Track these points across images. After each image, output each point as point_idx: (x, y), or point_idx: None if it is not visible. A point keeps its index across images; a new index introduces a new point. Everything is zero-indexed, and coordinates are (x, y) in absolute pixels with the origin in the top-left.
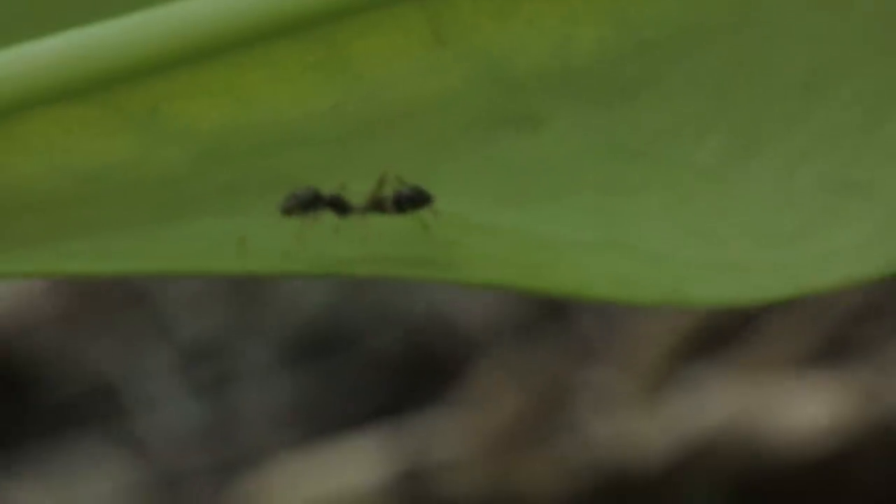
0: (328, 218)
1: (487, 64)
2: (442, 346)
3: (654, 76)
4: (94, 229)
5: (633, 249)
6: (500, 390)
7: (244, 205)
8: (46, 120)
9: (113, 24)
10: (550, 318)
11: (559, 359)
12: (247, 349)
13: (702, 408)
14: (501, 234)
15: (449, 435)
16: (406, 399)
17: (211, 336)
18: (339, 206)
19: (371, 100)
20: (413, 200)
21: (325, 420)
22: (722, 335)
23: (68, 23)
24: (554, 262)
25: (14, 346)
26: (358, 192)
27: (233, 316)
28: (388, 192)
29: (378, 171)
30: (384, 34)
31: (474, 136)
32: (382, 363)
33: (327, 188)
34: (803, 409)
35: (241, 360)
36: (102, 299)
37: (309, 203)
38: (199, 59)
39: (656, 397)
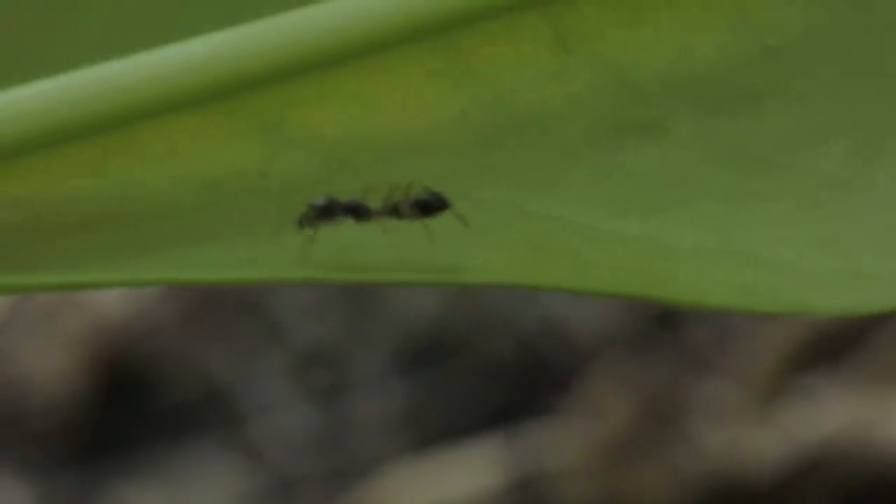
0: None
1: (611, 71)
2: (554, 354)
3: (778, 83)
4: (217, 237)
5: (755, 258)
6: (612, 399)
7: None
8: (172, 127)
9: (239, 31)
10: (663, 326)
11: (672, 368)
12: (360, 356)
13: (815, 418)
14: (624, 242)
15: (561, 444)
16: (518, 407)
17: (325, 343)
18: (358, 212)
19: (496, 107)
20: (432, 206)
21: (436, 428)
22: (836, 345)
23: (195, 30)
24: (676, 271)
25: (132, 351)
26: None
27: (346, 323)
28: (405, 197)
29: (503, 178)
30: (509, 42)
31: (598, 143)
32: (494, 371)
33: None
34: None
35: (354, 367)
36: (219, 305)
37: (326, 211)
38: (324, 66)
39: (769, 407)
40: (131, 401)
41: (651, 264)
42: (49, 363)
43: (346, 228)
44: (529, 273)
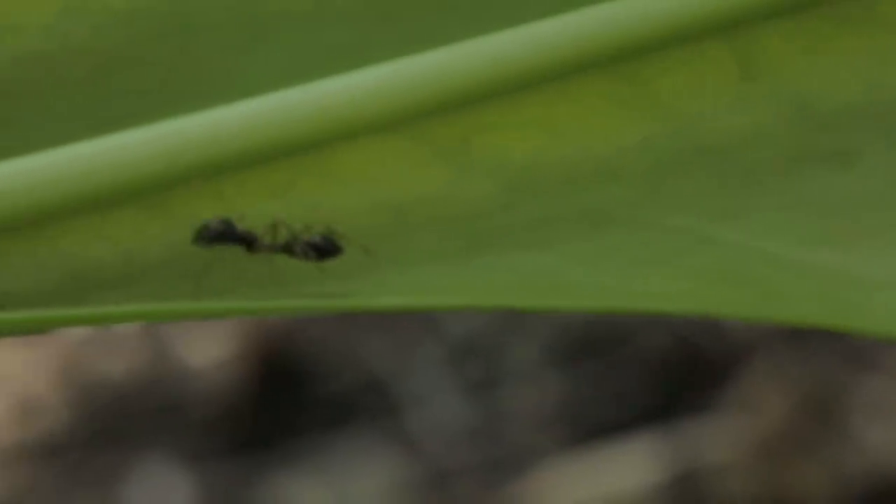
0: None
1: (796, 100)
2: (711, 348)
3: None
4: (405, 262)
5: None
6: (770, 395)
7: (555, 239)
8: (361, 153)
9: (427, 57)
10: None
11: (830, 363)
12: (516, 348)
13: None
14: (812, 272)
15: (719, 439)
16: (674, 402)
17: (481, 334)
18: (248, 242)
19: (679, 135)
20: (323, 250)
21: (592, 422)
22: None
23: (384, 56)
24: (868, 303)
25: (291, 341)
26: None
27: (502, 314)
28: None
29: (688, 205)
30: (692, 70)
31: (784, 172)
32: (650, 365)
33: (632, 223)
34: None
35: (510, 359)
36: None
37: (219, 235)
38: (509, 92)
39: None
40: (291, 391)
41: (841, 295)
42: (210, 353)
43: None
44: (713, 301)
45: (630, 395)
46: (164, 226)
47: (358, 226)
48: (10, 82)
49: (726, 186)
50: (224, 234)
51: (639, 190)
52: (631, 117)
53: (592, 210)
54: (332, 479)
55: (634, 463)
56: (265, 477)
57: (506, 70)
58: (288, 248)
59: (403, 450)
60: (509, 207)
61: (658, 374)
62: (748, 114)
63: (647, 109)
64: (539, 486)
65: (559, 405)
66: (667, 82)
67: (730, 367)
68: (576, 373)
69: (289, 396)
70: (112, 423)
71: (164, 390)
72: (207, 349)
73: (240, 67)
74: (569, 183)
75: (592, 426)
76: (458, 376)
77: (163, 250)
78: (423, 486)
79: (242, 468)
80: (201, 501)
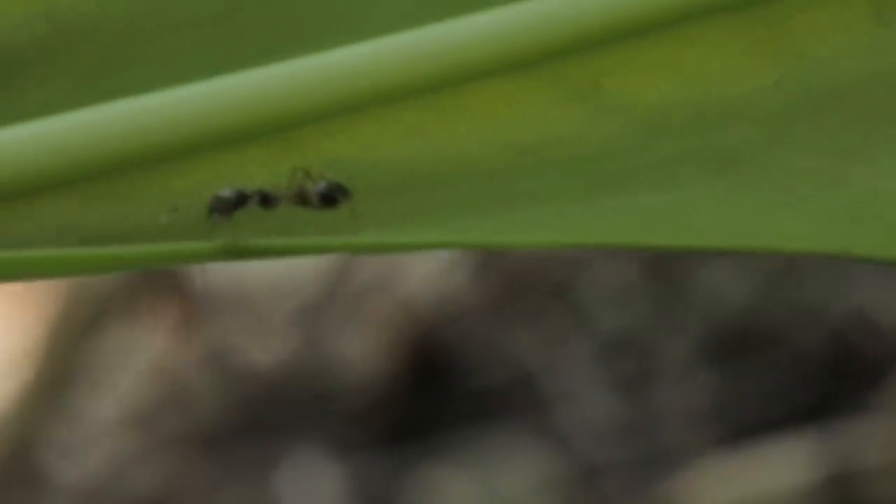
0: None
1: None
2: (868, 346)
3: None
4: (533, 202)
5: None
6: None
7: (684, 180)
8: (489, 92)
9: None
10: None
11: None
12: (667, 344)
13: None
14: None
15: (875, 439)
16: (829, 401)
17: (631, 330)
18: (266, 200)
19: (812, 77)
20: (336, 196)
21: (745, 421)
22: None
23: None
24: None
25: (441, 335)
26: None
27: (654, 310)
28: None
29: (821, 147)
30: (826, 12)
31: None
32: (805, 364)
33: (763, 164)
34: None
35: (660, 356)
36: (527, 290)
37: (235, 203)
38: (642, 33)
39: None
40: (440, 384)
41: None
42: (361, 346)
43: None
44: (843, 241)
45: (784, 393)
46: (293, 163)
47: (488, 164)
48: (143, 18)
49: (859, 129)
50: (240, 199)
51: (770, 131)
52: (763, 58)
53: (722, 151)
54: (480, 474)
55: (787, 463)
56: (414, 469)
57: (638, 10)
58: (302, 198)
59: (552, 445)
60: (640, 148)
61: (813, 372)
62: (881, 58)
63: (780, 51)
64: (690, 484)
65: (712, 403)
66: (801, 24)
67: (887, 366)
68: (729, 370)
69: (438, 389)
70: (263, 414)
71: (315, 381)
72: (357, 341)
73: (369, 6)
74: (699, 124)
75: (745, 425)
76: (608, 372)
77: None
78: (572, 482)
79: (392, 460)
80: (351, 492)
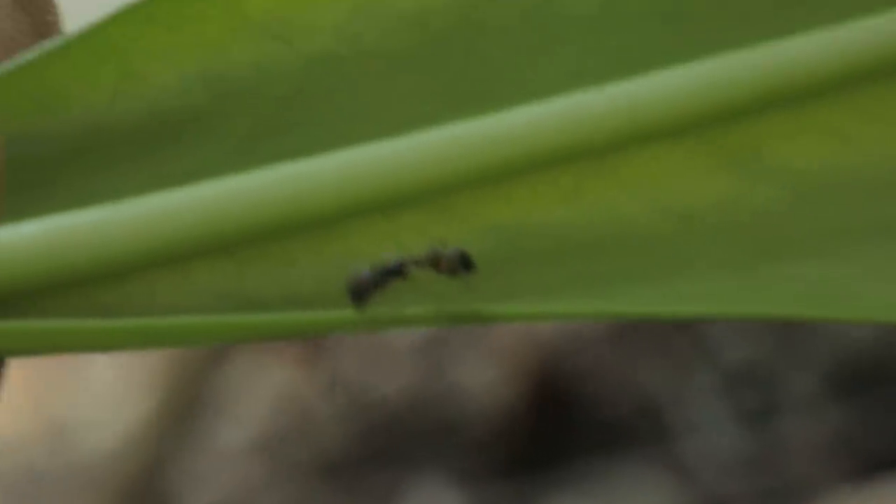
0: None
1: None
2: None
3: None
4: (690, 269)
5: None
6: None
7: (845, 249)
8: (647, 157)
9: (715, 62)
10: None
11: None
12: (792, 377)
13: None
14: None
15: None
16: None
17: (756, 362)
18: (402, 273)
19: None
20: (466, 262)
21: (874, 454)
22: None
23: (670, 61)
24: None
25: (564, 365)
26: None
27: (780, 342)
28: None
29: None
30: None
31: None
32: None
33: None
34: None
35: (787, 388)
36: (650, 322)
37: (371, 285)
38: (801, 98)
39: None
40: (564, 414)
41: None
42: (484, 376)
43: None
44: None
45: None
46: (449, 229)
47: (645, 231)
48: (303, 83)
49: None
50: (375, 280)
51: None
52: None
53: (885, 219)
54: (601, 502)
55: None
56: (538, 500)
57: (798, 75)
58: (435, 264)
59: (676, 477)
60: (799, 215)
61: None
62: None
63: None
64: None
65: (839, 436)
66: None
67: None
68: (855, 405)
69: (562, 420)
70: (386, 443)
71: (439, 411)
72: (481, 370)
73: (527, 71)
74: (861, 192)
75: (874, 459)
76: (733, 404)
77: None
78: None
79: (515, 490)
80: None
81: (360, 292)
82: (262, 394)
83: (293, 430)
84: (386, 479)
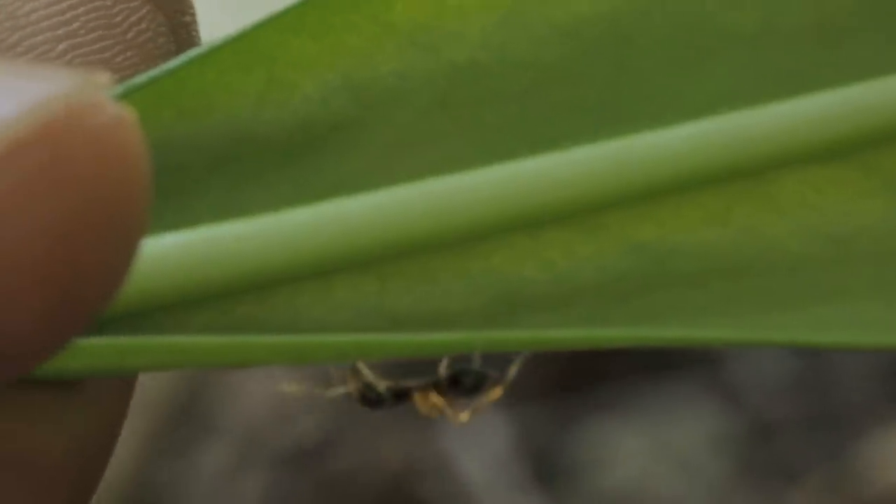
0: None
1: None
2: None
3: None
4: (842, 296)
5: None
6: None
7: None
8: (800, 179)
9: (874, 85)
10: None
11: None
12: None
13: None
14: None
15: None
16: None
17: None
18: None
19: None
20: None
21: None
22: None
23: (828, 82)
24: None
25: None
26: None
27: None
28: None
29: None
30: None
31: None
32: None
33: None
34: None
35: None
36: None
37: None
38: None
39: None
40: None
41: None
42: None
43: None
44: None
45: None
46: (597, 248)
47: (795, 255)
48: (448, 93)
49: None
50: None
51: None
52: None
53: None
54: (650, 427)
55: None
56: (582, 421)
57: None
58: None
59: (723, 400)
60: None
61: None
62: None
63: None
64: (870, 446)
65: (890, 361)
66: None
67: None
68: None
69: None
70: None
71: None
72: None
73: (680, 88)
74: None
75: None
76: None
77: (595, 273)
78: (744, 439)
79: (559, 411)
80: (517, 444)
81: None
82: None
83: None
84: None
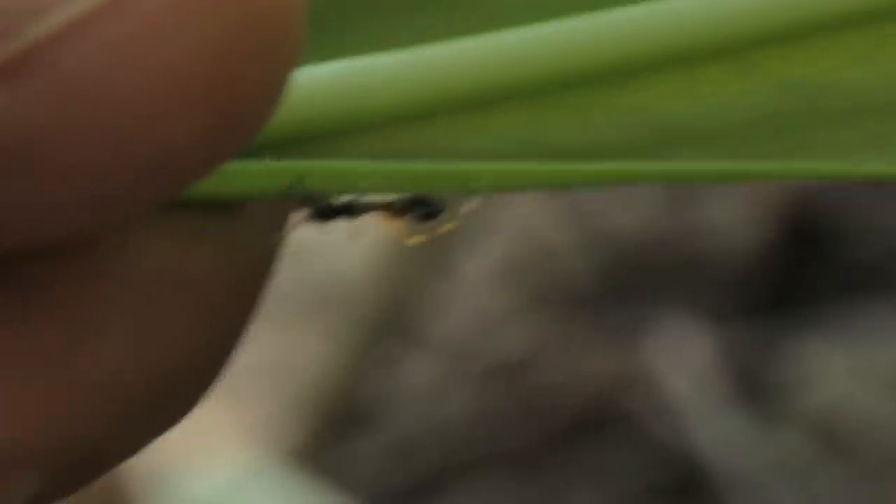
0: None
1: None
2: None
3: None
4: None
5: None
6: None
7: None
8: None
9: None
10: None
11: None
12: None
13: None
14: None
15: None
16: None
17: None
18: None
19: None
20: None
21: None
22: None
23: None
24: None
25: (817, 203)
26: None
27: None
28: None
29: None
30: None
31: None
32: None
33: None
34: None
35: None
36: None
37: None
38: None
39: None
40: (816, 254)
41: None
42: (730, 214)
43: None
44: None
45: None
46: (749, 85)
47: None
48: None
49: None
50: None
51: None
52: None
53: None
54: (853, 347)
55: None
56: (785, 339)
57: None
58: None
59: None
60: None
61: None
62: None
63: None
64: None
65: None
66: None
67: None
68: None
69: (814, 260)
70: (630, 278)
71: (684, 248)
72: (727, 208)
73: None
74: None
75: None
76: None
77: (747, 110)
78: None
79: (763, 329)
80: (721, 361)
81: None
82: (502, 224)
83: (534, 262)
84: (629, 314)
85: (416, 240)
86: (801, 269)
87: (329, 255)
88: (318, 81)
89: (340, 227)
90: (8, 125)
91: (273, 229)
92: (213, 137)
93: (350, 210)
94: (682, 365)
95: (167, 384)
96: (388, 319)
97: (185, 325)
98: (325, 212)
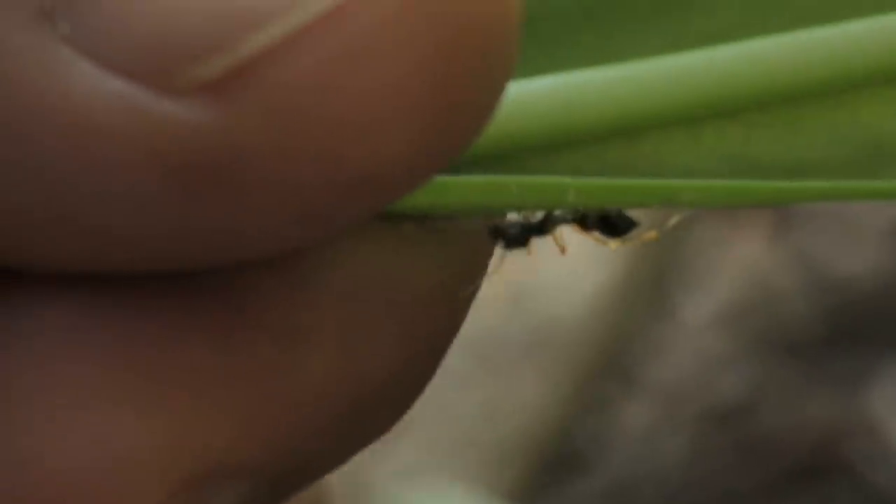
0: None
1: None
2: None
3: None
4: None
5: None
6: None
7: None
8: None
9: None
10: None
11: None
12: None
13: None
14: None
15: None
16: None
17: None
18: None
19: None
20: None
21: None
22: None
23: None
24: None
25: None
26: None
27: None
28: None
29: None
30: None
31: None
32: None
33: None
34: None
35: None
36: None
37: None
38: None
39: None
40: None
41: None
42: None
43: None
44: None
45: None
46: None
47: None
48: None
49: None
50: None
51: None
52: None
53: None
54: None
55: None
56: None
57: None
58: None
59: None
60: None
61: None
62: None
63: None
64: None
65: None
66: None
67: None
68: None
69: None
70: (853, 324)
71: None
72: None
73: None
74: None
75: None
76: None
77: None
78: None
79: None
80: None
81: (505, 239)
82: (726, 267)
83: (757, 306)
84: (853, 360)
85: (643, 239)
86: None
87: (547, 299)
88: (528, 96)
89: (558, 270)
90: (219, 142)
91: (480, 248)
92: (426, 153)
93: (543, 228)
94: None
95: (371, 396)
96: (606, 362)
97: (388, 338)
98: (523, 229)
